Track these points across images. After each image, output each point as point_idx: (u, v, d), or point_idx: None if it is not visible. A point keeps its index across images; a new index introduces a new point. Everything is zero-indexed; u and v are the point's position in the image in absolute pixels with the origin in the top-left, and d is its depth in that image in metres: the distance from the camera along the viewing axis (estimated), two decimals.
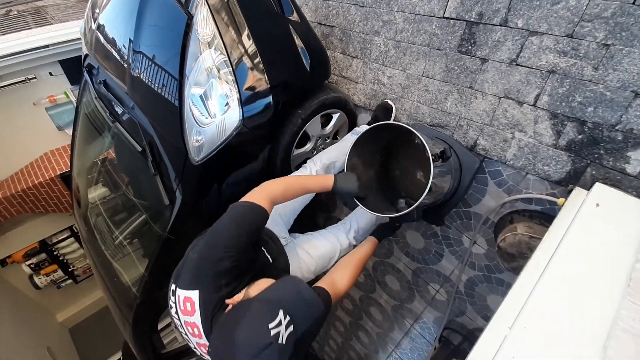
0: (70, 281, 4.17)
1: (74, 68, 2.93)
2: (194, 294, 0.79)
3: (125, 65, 1.42)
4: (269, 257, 1.02)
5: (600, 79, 0.97)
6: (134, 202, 1.89)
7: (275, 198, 0.99)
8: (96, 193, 2.23)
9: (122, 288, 1.81)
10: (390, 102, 1.46)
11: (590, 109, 1.00)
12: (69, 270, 4.08)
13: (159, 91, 1.28)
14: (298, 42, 1.28)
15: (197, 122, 1.19)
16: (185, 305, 0.80)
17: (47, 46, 2.67)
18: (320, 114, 1.43)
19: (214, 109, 1.20)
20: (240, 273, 0.84)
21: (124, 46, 1.44)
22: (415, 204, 0.97)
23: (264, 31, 1.24)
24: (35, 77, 2.83)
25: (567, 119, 1.05)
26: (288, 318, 0.70)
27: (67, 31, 2.74)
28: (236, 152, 1.28)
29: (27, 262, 3.77)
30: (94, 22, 1.65)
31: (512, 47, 1.11)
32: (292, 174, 1.39)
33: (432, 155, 0.93)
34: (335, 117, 1.53)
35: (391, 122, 1.04)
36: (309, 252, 1.25)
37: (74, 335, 4.57)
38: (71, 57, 2.87)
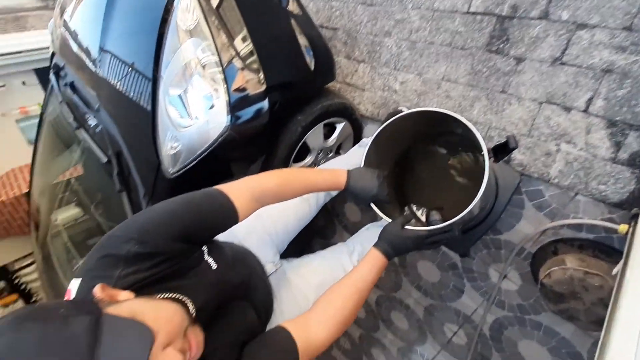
0: None
1: None
2: (75, 284, 0.51)
3: (91, 64, 1.21)
4: (210, 260, 0.66)
5: None
6: (102, 226, 1.62)
7: (263, 195, 0.72)
8: (59, 216, 1.94)
9: None
10: (404, 109, 1.26)
11: None
12: (32, 301, 3.64)
13: (128, 92, 1.06)
14: (300, 36, 1.09)
15: (173, 125, 0.96)
16: None
17: (20, 52, 2.45)
18: (323, 123, 1.22)
19: (195, 110, 0.98)
20: (151, 271, 0.55)
21: (91, 42, 1.23)
22: (464, 213, 0.72)
23: (262, 22, 1.04)
24: (4, 85, 2.58)
25: (629, 127, 0.86)
26: None
27: (44, 37, 2.53)
28: (221, 164, 1.05)
29: None
30: (62, 16, 1.44)
31: (556, 43, 0.93)
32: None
33: (487, 149, 0.71)
34: (339, 127, 1.32)
35: (432, 108, 0.82)
36: (306, 278, 0.98)
37: None
38: (48, 67, 2.65)
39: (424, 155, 1.09)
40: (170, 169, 0.97)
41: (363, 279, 0.76)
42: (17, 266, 3.47)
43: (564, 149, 0.97)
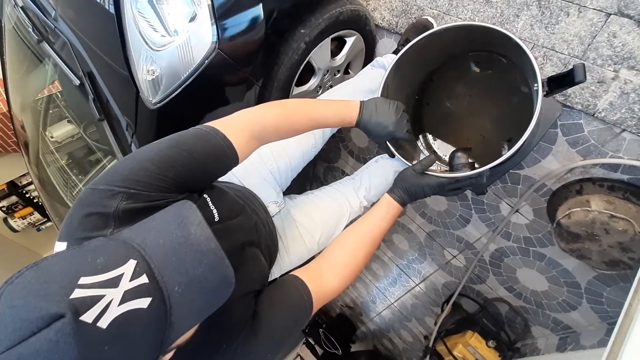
0: (50, 224, 3.93)
1: None
2: (60, 248, 0.45)
3: None
4: (213, 210, 0.58)
5: None
6: (94, 148, 1.53)
7: (264, 132, 0.62)
8: (54, 133, 1.83)
9: None
10: (431, 19, 1.04)
11: None
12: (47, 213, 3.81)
13: None
14: None
15: (147, 42, 0.78)
16: None
17: None
18: (331, 37, 1.02)
19: (173, 21, 0.79)
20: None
21: None
22: (499, 160, 0.61)
23: None
24: None
25: None
26: (144, 278, 0.34)
27: None
28: (213, 91, 0.89)
29: None
30: None
31: None
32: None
33: (542, 79, 0.56)
34: (349, 41, 1.11)
35: (475, 22, 0.65)
36: (311, 216, 0.94)
37: None
38: None
39: (449, 81, 0.92)
40: (152, 98, 0.82)
41: (376, 227, 0.71)
42: (24, 181, 3.52)
43: (623, 76, 0.80)
